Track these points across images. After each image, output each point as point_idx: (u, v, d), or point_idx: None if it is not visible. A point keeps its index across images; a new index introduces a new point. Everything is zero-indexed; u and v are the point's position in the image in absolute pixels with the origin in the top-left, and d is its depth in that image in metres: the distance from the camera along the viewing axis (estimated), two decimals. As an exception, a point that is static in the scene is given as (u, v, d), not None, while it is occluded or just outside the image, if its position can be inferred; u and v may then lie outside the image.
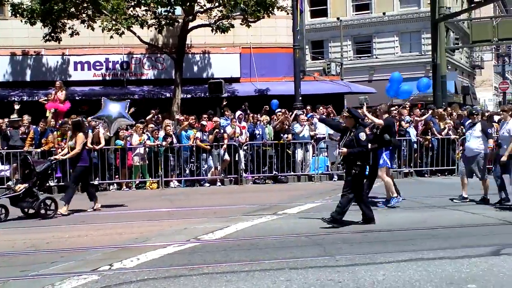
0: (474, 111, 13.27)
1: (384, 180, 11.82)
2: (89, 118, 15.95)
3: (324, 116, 16.15)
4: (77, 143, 12.14)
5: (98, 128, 15.31)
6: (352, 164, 9.62)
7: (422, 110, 20.25)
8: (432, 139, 17.95)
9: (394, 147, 12.35)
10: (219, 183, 16.95)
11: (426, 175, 18.03)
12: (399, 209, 11.49)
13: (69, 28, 21.69)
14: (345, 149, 9.69)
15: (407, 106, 17.42)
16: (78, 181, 12.44)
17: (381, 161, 11.74)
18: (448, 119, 18.93)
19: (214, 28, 21.84)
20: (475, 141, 12.08)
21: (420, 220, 10.16)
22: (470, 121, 12.79)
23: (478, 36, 26.82)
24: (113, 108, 12.85)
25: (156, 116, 18.37)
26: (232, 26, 21.99)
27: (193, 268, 6.92)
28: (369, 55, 42.45)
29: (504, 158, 11.33)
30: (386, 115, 12.19)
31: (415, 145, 17.93)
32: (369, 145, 10.31)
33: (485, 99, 60.45)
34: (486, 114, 20.20)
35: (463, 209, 11.04)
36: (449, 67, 38.77)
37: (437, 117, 18.84)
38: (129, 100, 13.96)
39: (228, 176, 17.33)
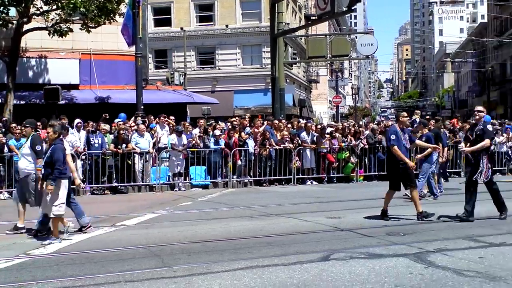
0: (28, 124, 10.59)
1: None
2: None
3: None
4: None
5: None
6: None
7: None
8: (270, 149, 18.55)
9: None
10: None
11: (264, 185, 18.56)
12: (238, 217, 11.69)
13: None
14: None
15: (246, 117, 17.84)
16: None
17: None
18: (285, 130, 19.68)
19: (51, 31, 20.92)
20: (24, 160, 10.10)
21: (257, 228, 10.43)
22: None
23: (313, 52, 28.10)
24: None
25: None
26: (71, 30, 21.23)
27: (20, 286, 6.53)
28: (212, 66, 43.07)
29: None
30: None
31: (252, 156, 18.37)
32: None
33: (321, 112, 64.23)
34: (319, 126, 21.30)
35: (297, 217, 11.51)
36: (288, 81, 40.57)
37: (274, 128, 19.53)
38: None
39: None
